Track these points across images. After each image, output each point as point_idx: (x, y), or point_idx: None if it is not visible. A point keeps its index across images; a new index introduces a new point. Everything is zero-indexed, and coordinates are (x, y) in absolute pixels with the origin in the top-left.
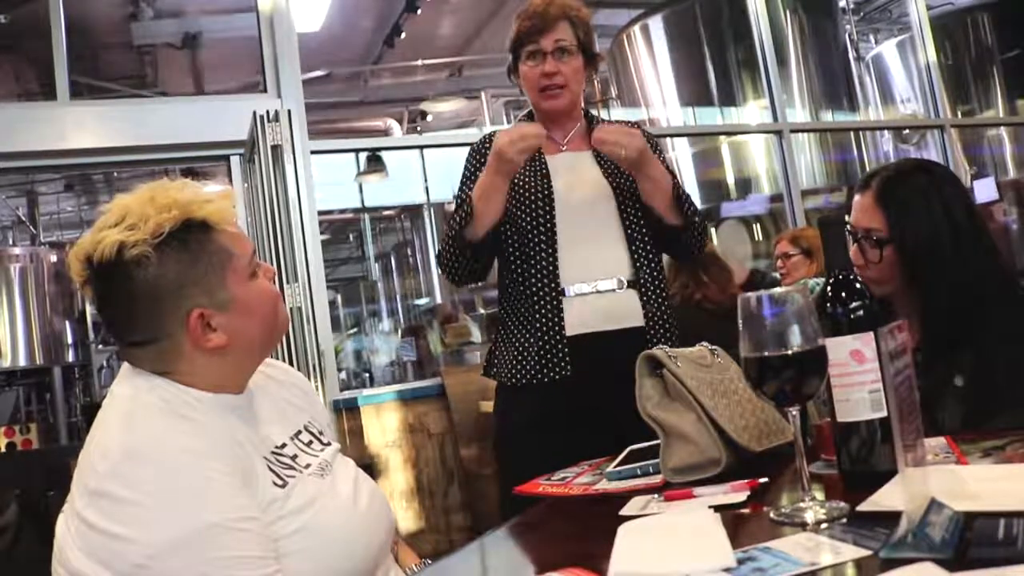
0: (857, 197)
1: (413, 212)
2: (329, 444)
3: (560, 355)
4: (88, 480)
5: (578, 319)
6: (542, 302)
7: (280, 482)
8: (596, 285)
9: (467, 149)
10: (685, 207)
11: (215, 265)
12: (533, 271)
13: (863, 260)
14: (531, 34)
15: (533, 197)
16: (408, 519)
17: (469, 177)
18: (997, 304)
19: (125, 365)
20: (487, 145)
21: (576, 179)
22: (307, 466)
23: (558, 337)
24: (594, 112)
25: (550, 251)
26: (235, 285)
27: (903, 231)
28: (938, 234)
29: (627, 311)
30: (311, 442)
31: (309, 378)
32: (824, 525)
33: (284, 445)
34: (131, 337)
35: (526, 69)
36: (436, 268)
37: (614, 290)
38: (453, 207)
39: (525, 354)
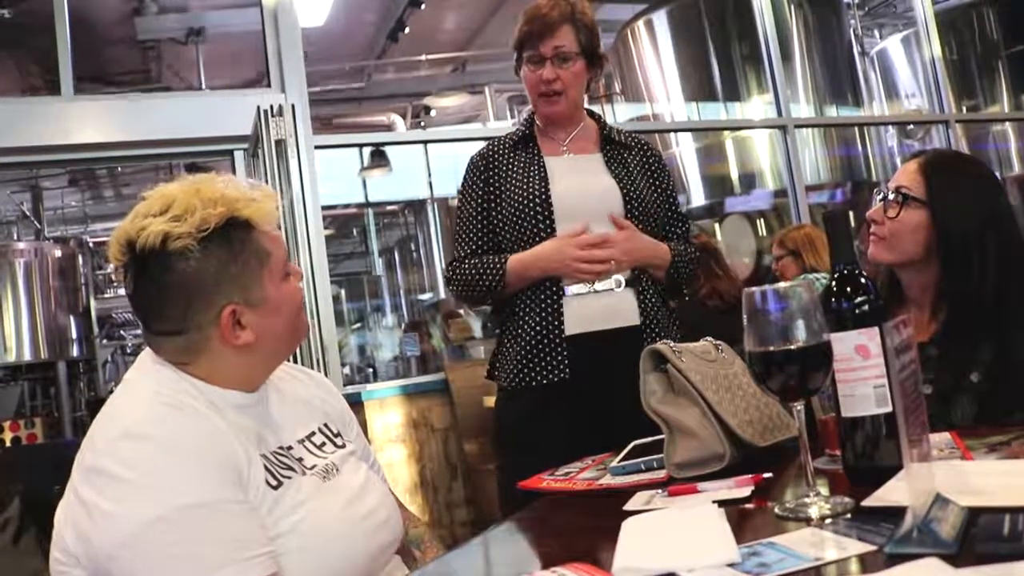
0: (903, 165)
1: (417, 207)
2: (343, 447)
3: (559, 356)
4: (86, 456)
5: (576, 319)
6: (542, 303)
7: (274, 482)
8: (594, 286)
9: (471, 144)
10: (676, 273)
11: (253, 264)
12: None
13: (882, 216)
14: (531, 38)
15: (533, 200)
16: None
17: (468, 192)
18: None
19: (143, 353)
20: (484, 161)
21: (580, 181)
22: (312, 467)
23: (558, 339)
24: (595, 108)
25: None
26: (269, 285)
27: (945, 205)
28: (982, 223)
29: (625, 310)
30: (324, 444)
31: None
32: (829, 520)
33: (290, 447)
34: (159, 326)
35: (526, 72)
36: (439, 264)
37: (612, 290)
38: (457, 238)
39: (524, 357)
